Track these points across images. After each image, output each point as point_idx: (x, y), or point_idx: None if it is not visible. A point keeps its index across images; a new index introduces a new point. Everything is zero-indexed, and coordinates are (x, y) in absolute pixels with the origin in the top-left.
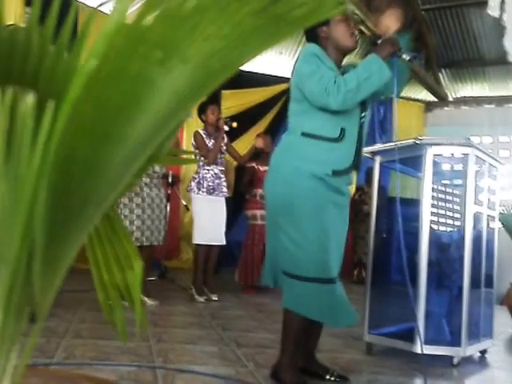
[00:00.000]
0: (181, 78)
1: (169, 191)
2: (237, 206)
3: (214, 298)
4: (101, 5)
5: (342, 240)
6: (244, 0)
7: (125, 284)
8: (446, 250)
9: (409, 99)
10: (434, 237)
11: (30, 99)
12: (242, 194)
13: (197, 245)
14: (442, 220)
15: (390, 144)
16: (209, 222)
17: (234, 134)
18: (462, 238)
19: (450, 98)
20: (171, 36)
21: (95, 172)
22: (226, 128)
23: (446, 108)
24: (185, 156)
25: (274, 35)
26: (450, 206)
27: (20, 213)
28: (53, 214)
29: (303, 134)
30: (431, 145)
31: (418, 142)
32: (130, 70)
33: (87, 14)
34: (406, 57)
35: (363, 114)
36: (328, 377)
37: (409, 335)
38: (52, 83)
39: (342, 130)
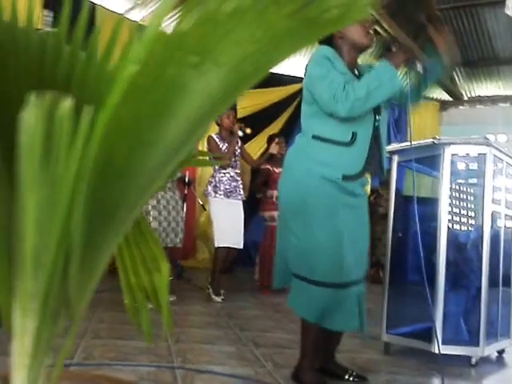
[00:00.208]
0: (214, 81)
1: (185, 191)
2: (252, 206)
3: (222, 294)
4: (129, 10)
5: (362, 241)
6: (280, 3)
7: (151, 286)
8: (463, 250)
9: (424, 98)
10: (452, 236)
11: (67, 104)
12: (255, 195)
13: (217, 247)
14: (459, 219)
15: (408, 144)
16: (229, 224)
17: (248, 135)
18: (480, 238)
19: (465, 97)
20: (207, 40)
21: (129, 176)
22: (241, 133)
23: (460, 107)
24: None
25: (304, 38)
26: (468, 205)
27: (58, 217)
28: (89, 218)
29: (314, 137)
30: (449, 144)
31: (436, 141)
32: (166, 75)
33: (103, 17)
34: (419, 66)
35: (378, 118)
36: (347, 377)
37: (427, 335)
38: (84, 87)
39: (354, 135)
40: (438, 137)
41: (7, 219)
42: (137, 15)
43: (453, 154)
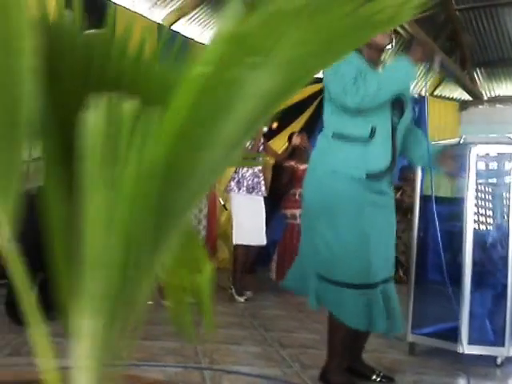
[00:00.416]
0: (269, 82)
1: None
2: (273, 204)
3: (249, 294)
4: (167, 17)
5: (389, 242)
6: (340, 2)
7: (193, 287)
8: (488, 249)
9: (444, 98)
10: (477, 236)
11: (131, 105)
12: (278, 192)
13: (236, 245)
14: (484, 219)
15: (437, 143)
16: (249, 221)
17: (270, 133)
18: (506, 237)
19: (485, 97)
20: (266, 41)
21: (185, 177)
22: (265, 129)
23: (480, 106)
24: None
25: (356, 40)
26: (492, 204)
27: (122, 218)
28: (149, 218)
29: (334, 136)
30: (476, 144)
31: (462, 141)
32: (227, 75)
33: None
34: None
35: (399, 119)
36: (374, 377)
37: (452, 335)
38: (133, 88)
39: (373, 129)
40: (464, 136)
41: (67, 220)
42: (157, 15)
43: (478, 154)
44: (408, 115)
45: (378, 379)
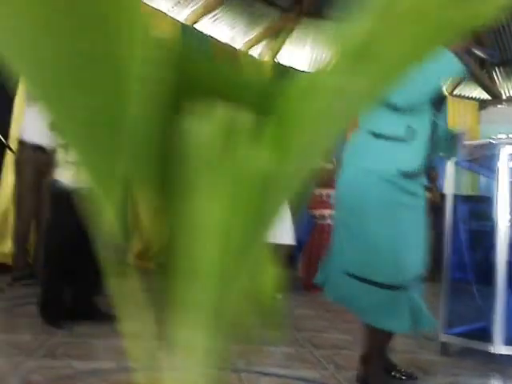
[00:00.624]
0: (370, 87)
1: None
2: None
3: (278, 296)
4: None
5: (419, 242)
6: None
7: (256, 289)
8: None
9: (463, 97)
10: (509, 234)
11: (243, 116)
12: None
13: None
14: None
15: (467, 143)
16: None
17: None
18: None
19: (504, 96)
20: (379, 48)
21: (280, 185)
22: None
23: (499, 106)
24: None
25: (442, 40)
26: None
27: (227, 228)
28: (252, 226)
29: (369, 133)
30: (505, 144)
31: (493, 141)
32: (331, 81)
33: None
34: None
35: (435, 113)
36: (393, 373)
37: (485, 335)
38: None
39: (410, 130)
40: (494, 137)
41: (171, 230)
42: (180, 14)
43: (509, 154)
44: (446, 109)
45: (398, 375)
